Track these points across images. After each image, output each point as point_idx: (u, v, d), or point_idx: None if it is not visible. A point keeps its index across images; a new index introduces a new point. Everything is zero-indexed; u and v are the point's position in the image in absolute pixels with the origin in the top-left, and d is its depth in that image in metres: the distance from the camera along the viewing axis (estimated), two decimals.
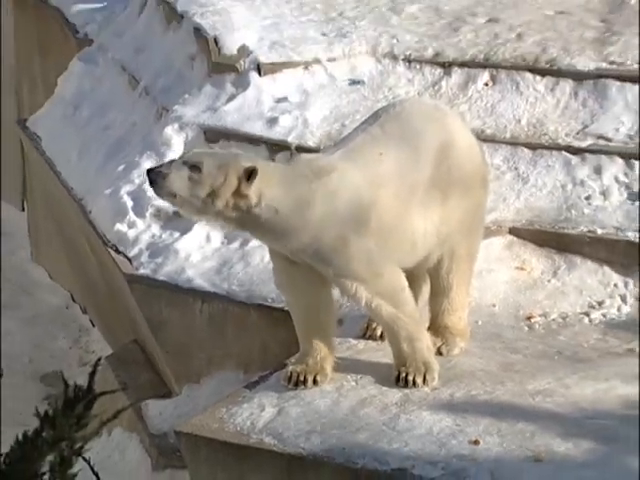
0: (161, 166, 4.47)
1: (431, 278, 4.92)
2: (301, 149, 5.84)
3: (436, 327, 4.98)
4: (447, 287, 4.91)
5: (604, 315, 5.41)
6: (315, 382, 4.69)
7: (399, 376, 4.67)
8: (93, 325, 7.52)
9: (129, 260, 5.92)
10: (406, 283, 4.62)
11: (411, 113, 4.80)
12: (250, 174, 4.35)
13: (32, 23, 8.57)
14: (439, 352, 4.95)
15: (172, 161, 4.48)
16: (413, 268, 4.82)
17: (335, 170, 4.54)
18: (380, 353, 4.93)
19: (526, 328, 5.34)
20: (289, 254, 4.57)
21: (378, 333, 4.97)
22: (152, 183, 4.38)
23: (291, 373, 4.72)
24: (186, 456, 4.81)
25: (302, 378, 4.70)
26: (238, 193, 4.37)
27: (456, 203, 4.78)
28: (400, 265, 4.74)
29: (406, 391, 4.74)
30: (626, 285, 5.50)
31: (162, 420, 5.60)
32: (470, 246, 4.96)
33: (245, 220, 4.46)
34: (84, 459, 2.98)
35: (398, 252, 4.68)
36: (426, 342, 4.69)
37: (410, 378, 4.64)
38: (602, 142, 5.92)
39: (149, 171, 4.42)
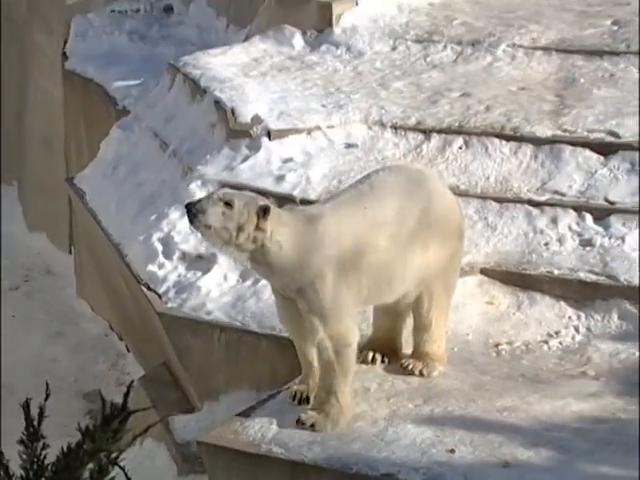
0: (200, 201, 4.44)
1: (413, 315, 4.90)
2: (304, 202, 5.82)
3: (418, 354, 4.96)
4: (427, 323, 4.88)
5: (560, 343, 5.38)
6: (300, 402, 4.69)
7: (303, 418, 4.58)
8: (128, 350, 7.51)
9: (159, 296, 5.92)
10: (355, 343, 4.57)
11: (398, 176, 4.79)
12: (265, 211, 4.37)
13: (79, 97, 8.59)
14: (421, 374, 4.92)
15: (208, 197, 4.45)
16: (394, 304, 4.81)
17: (324, 218, 4.54)
18: (370, 374, 4.91)
19: (494, 354, 5.31)
20: (280, 289, 4.58)
21: (369, 358, 4.92)
22: (191, 216, 4.37)
23: (295, 392, 4.71)
24: (206, 463, 4.82)
25: (305, 396, 4.68)
26: (257, 227, 4.38)
27: (435, 252, 4.75)
28: (379, 301, 4.78)
29: (393, 407, 4.75)
30: (579, 317, 5.49)
31: (186, 432, 5.58)
32: (447, 288, 4.92)
33: (257, 253, 4.46)
34: (119, 467, 2.96)
35: (376, 290, 4.67)
36: (343, 401, 4.58)
37: (308, 423, 4.56)
38: (557, 197, 5.92)
39: (189, 205, 4.41)
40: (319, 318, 4.49)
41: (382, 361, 4.96)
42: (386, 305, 4.86)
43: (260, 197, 4.64)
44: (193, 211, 4.36)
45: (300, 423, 4.57)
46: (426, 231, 4.71)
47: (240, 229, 4.38)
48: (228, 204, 4.37)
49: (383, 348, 4.99)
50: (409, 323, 4.99)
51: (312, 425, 4.56)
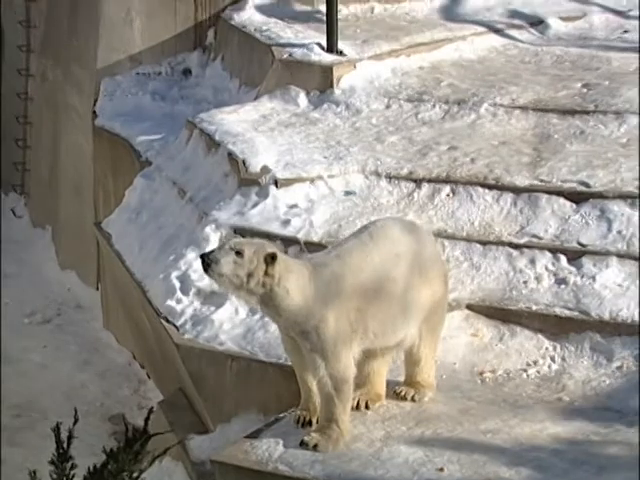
0: (212, 252, 4.44)
1: (404, 351, 4.90)
2: (307, 243, 5.83)
3: (410, 382, 4.97)
4: (418, 359, 4.89)
5: (538, 371, 5.37)
6: (304, 424, 4.70)
7: (306, 439, 4.58)
8: (149, 377, 7.47)
9: (176, 328, 5.89)
10: (352, 378, 4.57)
11: (393, 226, 4.80)
12: (273, 258, 4.36)
13: (107, 150, 8.60)
14: (413, 400, 4.92)
15: (220, 248, 4.45)
16: (393, 346, 4.84)
17: (329, 266, 4.53)
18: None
19: (479, 381, 5.29)
20: (284, 329, 4.57)
21: (354, 404, 4.82)
22: (206, 265, 4.37)
23: (299, 416, 4.70)
24: (218, 477, 4.78)
25: (307, 420, 4.68)
26: (266, 273, 4.36)
27: (425, 294, 4.75)
28: (384, 344, 4.74)
29: (388, 430, 4.73)
30: (554, 349, 5.47)
31: (201, 451, 5.53)
32: (435, 328, 4.91)
33: (266, 297, 4.44)
34: None
35: (382, 334, 4.66)
36: (343, 426, 4.58)
37: (311, 444, 4.55)
38: (535, 240, 5.90)
39: (203, 255, 4.42)
40: (321, 358, 4.48)
41: (366, 407, 4.89)
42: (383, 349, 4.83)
43: (268, 244, 4.63)
44: (207, 261, 4.37)
45: (304, 444, 4.56)
46: (417, 276, 4.70)
47: (250, 275, 4.37)
48: (239, 253, 4.37)
49: (368, 393, 4.93)
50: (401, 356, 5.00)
51: (315, 446, 4.54)
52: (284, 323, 4.55)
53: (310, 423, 4.69)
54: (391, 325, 4.69)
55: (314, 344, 4.48)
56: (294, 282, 4.45)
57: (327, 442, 4.55)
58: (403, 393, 4.96)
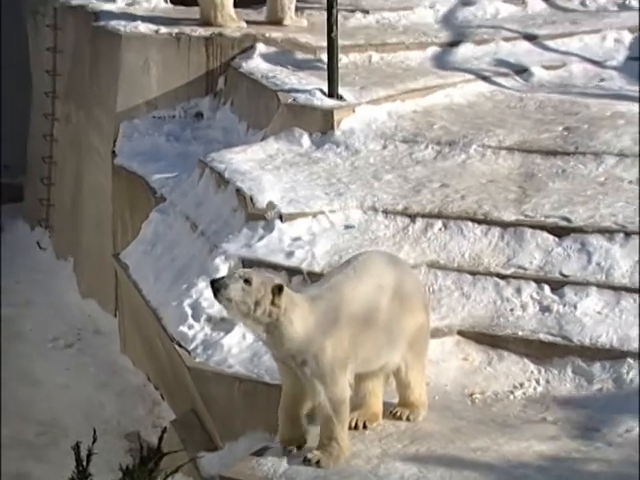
0: (222, 278, 4.42)
1: (395, 377, 4.89)
2: (310, 274, 5.82)
3: (404, 403, 4.94)
4: (407, 382, 4.88)
5: (524, 393, 5.35)
6: (299, 448, 4.64)
7: (309, 456, 4.56)
8: (162, 398, 7.44)
9: (188, 352, 5.87)
10: (348, 399, 4.54)
11: (374, 261, 4.79)
12: (280, 289, 4.35)
13: (125, 187, 8.61)
14: (408, 419, 4.89)
15: (230, 275, 4.44)
16: (378, 370, 4.80)
17: (324, 299, 4.52)
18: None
19: (469, 402, 5.27)
20: (283, 359, 4.53)
21: (352, 424, 4.79)
22: (215, 290, 4.34)
23: (287, 444, 4.69)
24: None
25: (293, 448, 4.66)
26: (272, 303, 4.34)
27: (407, 323, 4.73)
28: (368, 369, 4.71)
29: (384, 447, 4.71)
30: (539, 372, 5.46)
31: (211, 468, 5.52)
32: (419, 354, 4.88)
33: (272, 326, 4.41)
34: None
35: (367, 359, 4.65)
36: (343, 443, 4.55)
37: (313, 460, 4.53)
38: (521, 271, 5.89)
39: (213, 281, 4.39)
40: (320, 384, 4.45)
41: (364, 427, 4.86)
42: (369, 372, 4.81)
43: (277, 277, 4.66)
44: (216, 286, 4.35)
45: (307, 461, 4.53)
46: (399, 305, 4.69)
47: (257, 304, 4.34)
48: (247, 281, 4.34)
49: (365, 413, 4.90)
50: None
51: (317, 462, 4.52)
52: (285, 352, 4.50)
53: (300, 447, 4.65)
54: (376, 351, 4.68)
55: (313, 371, 4.46)
56: (297, 313, 4.43)
57: (328, 459, 4.52)
58: (399, 414, 4.94)
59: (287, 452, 4.64)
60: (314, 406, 4.55)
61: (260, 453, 4.69)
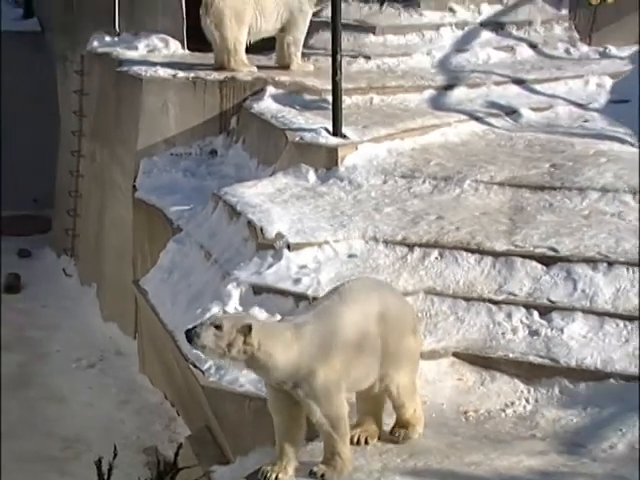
0: (195, 327, 4.32)
1: (388, 397, 4.78)
2: (316, 299, 5.77)
3: (399, 421, 4.87)
4: (400, 403, 4.79)
5: (514, 411, 5.32)
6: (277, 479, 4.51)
7: (315, 470, 4.50)
8: (178, 415, 7.42)
9: (202, 372, 5.85)
10: (346, 414, 4.46)
11: (360, 287, 4.71)
12: (249, 328, 4.26)
13: (145, 219, 8.61)
14: (404, 439, 4.84)
15: (202, 324, 4.33)
16: (371, 391, 4.70)
17: (309, 324, 4.44)
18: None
19: (464, 419, 5.24)
20: (275, 384, 4.43)
21: (355, 440, 4.75)
22: (189, 339, 4.29)
23: (262, 471, 4.56)
24: None
25: (269, 476, 4.52)
26: (245, 342, 4.27)
27: (394, 347, 4.62)
28: (357, 388, 4.64)
29: (384, 462, 4.69)
30: (529, 391, 5.43)
31: (223, 478, 5.47)
32: (410, 375, 4.76)
33: (250, 361, 4.35)
34: None
35: (357, 379, 4.56)
36: (345, 457, 4.49)
37: (319, 474, 4.48)
38: (511, 297, 5.87)
39: (187, 331, 4.31)
40: (315, 404, 4.38)
41: (366, 442, 4.81)
42: (365, 393, 4.73)
43: (247, 316, 4.58)
44: (189, 336, 4.27)
45: (312, 474, 4.48)
46: (384, 330, 4.59)
47: (230, 345, 4.26)
48: (218, 327, 4.27)
49: (367, 430, 4.85)
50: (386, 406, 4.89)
51: (322, 475, 4.48)
52: (275, 380, 4.41)
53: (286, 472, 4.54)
54: (365, 373, 4.59)
55: (307, 393, 4.37)
56: (276, 345, 4.32)
57: (332, 472, 4.47)
58: (396, 434, 4.87)
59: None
60: (314, 423, 4.48)
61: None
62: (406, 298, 5.06)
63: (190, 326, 4.35)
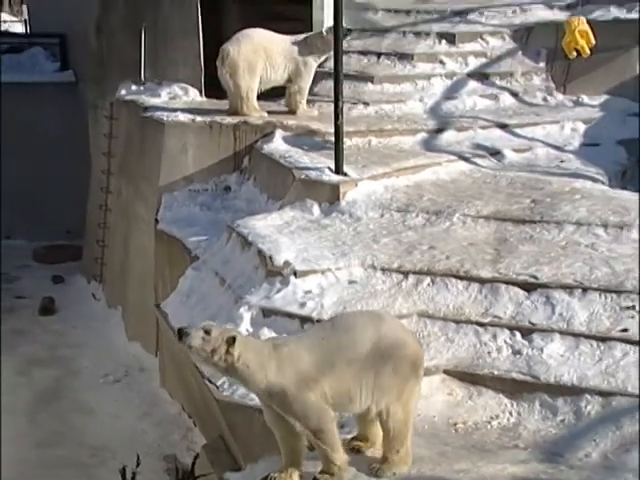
0: (187, 327, 4.30)
1: (379, 422, 4.54)
2: (319, 321, 5.75)
3: (384, 455, 4.59)
4: (388, 430, 4.50)
5: (499, 423, 5.29)
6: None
7: (317, 477, 4.44)
8: (195, 425, 7.38)
9: (217, 387, 5.81)
10: (330, 425, 4.31)
11: (355, 317, 4.58)
12: (233, 340, 4.22)
13: (165, 248, 8.63)
14: (377, 475, 4.55)
15: (194, 326, 4.32)
16: (365, 414, 4.50)
17: (286, 346, 4.35)
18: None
19: (453, 431, 5.20)
20: (259, 396, 4.36)
21: (354, 448, 4.68)
22: (179, 337, 4.25)
23: (270, 478, 4.50)
24: None
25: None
26: (227, 352, 4.23)
27: (387, 379, 4.38)
28: (344, 410, 4.48)
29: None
30: (512, 405, 5.39)
31: None
32: (405, 409, 4.45)
33: (229, 369, 4.29)
34: None
35: (339, 401, 4.36)
36: (340, 463, 4.38)
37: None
38: (496, 320, 5.85)
39: (179, 329, 4.29)
40: (293, 418, 4.28)
41: (358, 451, 4.67)
42: (361, 416, 4.56)
43: (235, 330, 4.51)
44: (181, 334, 4.25)
45: None
46: (378, 361, 4.36)
47: (214, 351, 4.22)
48: (207, 332, 4.24)
49: (365, 441, 4.73)
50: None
51: None
52: (253, 392, 4.33)
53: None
54: (348, 397, 4.36)
55: (283, 408, 4.28)
56: (253, 359, 4.25)
57: (331, 478, 4.41)
58: (372, 466, 4.57)
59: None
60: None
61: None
62: (413, 335, 4.81)
63: (183, 325, 4.31)
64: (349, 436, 4.78)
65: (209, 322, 4.50)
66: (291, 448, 4.45)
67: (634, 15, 10.24)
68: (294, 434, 4.38)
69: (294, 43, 9.05)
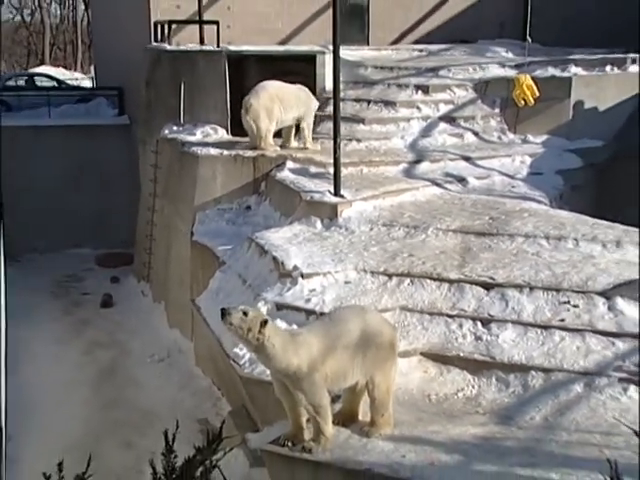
0: (229, 308, 4.25)
1: (367, 394, 4.57)
2: (322, 314, 5.76)
3: (371, 420, 4.60)
4: (374, 401, 4.55)
5: (464, 395, 5.27)
6: (294, 444, 4.45)
7: (304, 445, 4.40)
8: (223, 396, 7.36)
9: (240, 366, 5.82)
10: (327, 403, 4.32)
11: (346, 313, 4.57)
12: (265, 322, 4.21)
13: (199, 255, 8.65)
14: (367, 435, 4.55)
15: (235, 307, 4.27)
16: (353, 387, 4.53)
17: (302, 335, 4.36)
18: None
19: (428, 401, 5.20)
20: (275, 374, 4.35)
21: (337, 422, 4.61)
22: (222, 315, 4.20)
23: (283, 436, 4.51)
24: (266, 460, 4.72)
25: (289, 442, 4.48)
26: (259, 331, 4.20)
27: (372, 357, 4.44)
28: (339, 387, 4.48)
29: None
30: (474, 380, 5.36)
31: (255, 444, 5.42)
32: (386, 378, 4.51)
33: (259, 347, 4.26)
34: (219, 469, 2.85)
35: (336, 380, 4.39)
36: (328, 434, 4.37)
37: (306, 448, 4.39)
38: (462, 312, 5.81)
39: (222, 309, 4.24)
40: (301, 393, 4.28)
41: (344, 425, 4.63)
42: (349, 389, 4.58)
43: (265, 315, 4.47)
44: (223, 312, 4.21)
45: (303, 448, 4.42)
46: (364, 345, 4.42)
47: (249, 330, 4.20)
48: (245, 313, 4.22)
49: (347, 416, 4.70)
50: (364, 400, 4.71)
51: (309, 450, 4.38)
52: (273, 369, 4.32)
53: (293, 444, 4.45)
54: (342, 374, 4.40)
55: (294, 384, 4.28)
56: (278, 342, 4.25)
57: (317, 446, 4.39)
58: (363, 428, 4.59)
59: (285, 445, 4.46)
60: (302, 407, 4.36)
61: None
62: (389, 323, 4.80)
63: (226, 306, 4.31)
64: (336, 409, 4.76)
65: (245, 306, 4.47)
66: (297, 414, 4.46)
67: (566, 74, 10.40)
68: (298, 404, 4.39)
69: (300, 90, 9.15)
